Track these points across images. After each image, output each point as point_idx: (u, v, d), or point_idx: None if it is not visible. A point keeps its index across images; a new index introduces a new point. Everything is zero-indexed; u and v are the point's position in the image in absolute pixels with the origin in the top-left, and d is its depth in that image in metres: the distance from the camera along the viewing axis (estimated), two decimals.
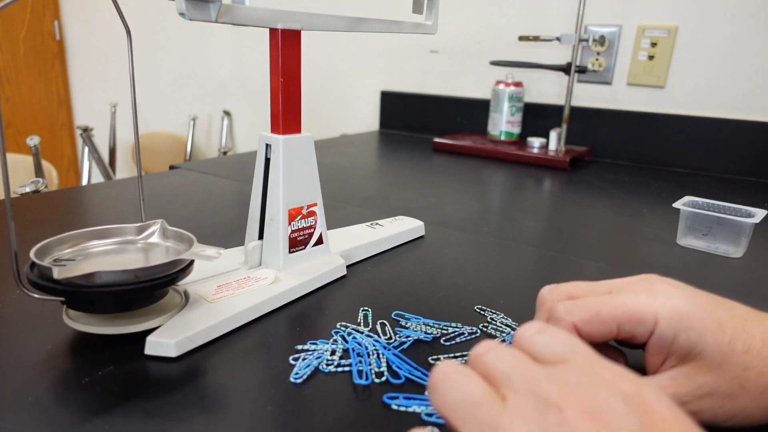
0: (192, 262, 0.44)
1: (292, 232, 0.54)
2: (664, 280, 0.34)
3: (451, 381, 0.24)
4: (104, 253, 0.46)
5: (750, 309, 0.33)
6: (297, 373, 0.40)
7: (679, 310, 0.31)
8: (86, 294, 0.38)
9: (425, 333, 0.46)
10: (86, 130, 1.83)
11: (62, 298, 0.40)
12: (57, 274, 0.36)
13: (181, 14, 0.42)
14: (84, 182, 2.08)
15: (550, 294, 0.36)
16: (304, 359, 0.42)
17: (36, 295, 0.40)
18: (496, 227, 0.77)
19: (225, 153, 2.06)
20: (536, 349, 0.25)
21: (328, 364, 0.41)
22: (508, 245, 0.70)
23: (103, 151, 2.19)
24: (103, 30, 2.49)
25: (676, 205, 0.71)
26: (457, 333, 0.46)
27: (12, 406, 0.35)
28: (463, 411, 0.23)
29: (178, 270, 0.42)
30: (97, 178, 2.22)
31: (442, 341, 0.45)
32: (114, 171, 2.20)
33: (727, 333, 0.31)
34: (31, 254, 0.40)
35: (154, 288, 0.41)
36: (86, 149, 1.87)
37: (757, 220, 0.65)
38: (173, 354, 0.41)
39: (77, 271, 0.38)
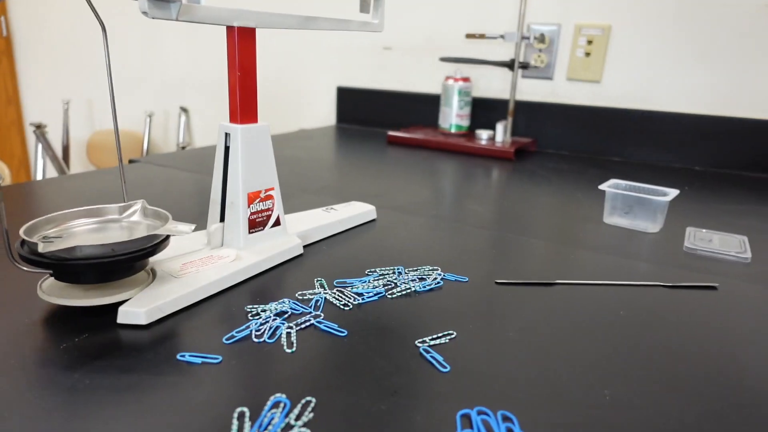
0: (167, 237, 0.48)
1: (251, 214, 0.59)
2: None
3: None
4: (89, 231, 0.50)
5: None
6: (259, 331, 0.45)
7: None
8: (69, 266, 0.42)
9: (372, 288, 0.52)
10: (39, 127, 1.81)
11: (49, 271, 0.44)
12: (42, 248, 0.40)
13: (144, 13, 0.46)
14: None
15: None
16: (261, 319, 0.46)
17: (25, 268, 0.43)
18: (444, 211, 0.84)
19: (183, 148, 2.07)
20: None
21: (260, 327, 0.46)
22: (455, 227, 0.76)
23: (56, 150, 2.16)
24: (53, 26, 2.45)
25: (602, 187, 0.78)
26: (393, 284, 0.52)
27: None
28: None
29: (153, 244, 0.46)
30: (51, 175, 2.18)
31: (387, 295, 0.51)
32: (69, 168, 2.17)
33: None
34: (21, 232, 0.43)
35: (130, 260, 0.45)
36: (39, 147, 1.85)
37: (669, 198, 0.73)
38: (144, 321, 0.45)
39: (61, 246, 0.42)
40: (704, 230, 0.76)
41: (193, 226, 0.49)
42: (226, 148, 0.58)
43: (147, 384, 0.38)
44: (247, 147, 0.57)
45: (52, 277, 0.48)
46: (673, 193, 0.75)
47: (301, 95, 1.83)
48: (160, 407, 0.36)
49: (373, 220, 0.77)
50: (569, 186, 1.03)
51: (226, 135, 0.58)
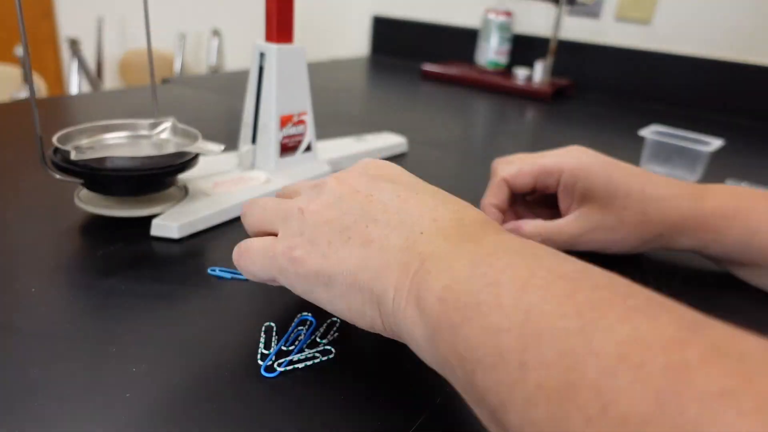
0: (196, 156, 0.49)
1: (284, 137, 0.59)
2: (582, 149, 0.46)
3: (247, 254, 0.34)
4: (120, 145, 0.51)
5: (644, 171, 0.44)
6: None
7: (580, 164, 0.43)
8: (100, 177, 0.43)
9: None
10: (74, 43, 1.80)
11: (80, 180, 0.44)
12: (74, 156, 0.41)
13: None
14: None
15: (497, 161, 0.50)
16: None
17: (58, 176, 0.44)
18: (476, 149, 0.82)
19: (215, 71, 2.05)
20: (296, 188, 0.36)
21: None
22: (487, 165, 0.75)
23: (89, 67, 2.16)
24: None
25: (642, 133, 0.76)
26: None
27: (37, 270, 0.41)
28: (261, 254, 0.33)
29: (183, 161, 0.47)
30: (85, 92, 2.20)
31: None
32: (102, 86, 2.18)
33: (613, 183, 0.42)
34: (54, 139, 0.44)
35: (160, 176, 0.45)
36: (75, 62, 1.85)
37: (712, 149, 0.71)
38: (176, 235, 0.46)
39: (93, 156, 0.42)
40: (744, 183, 0.74)
41: (222, 146, 0.49)
42: (260, 69, 0.57)
43: (179, 294, 0.39)
44: (281, 68, 0.56)
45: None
46: (717, 143, 0.72)
47: (333, 23, 1.78)
48: (190, 316, 0.37)
49: (404, 154, 0.76)
50: (606, 131, 1.00)
51: (261, 55, 0.57)
